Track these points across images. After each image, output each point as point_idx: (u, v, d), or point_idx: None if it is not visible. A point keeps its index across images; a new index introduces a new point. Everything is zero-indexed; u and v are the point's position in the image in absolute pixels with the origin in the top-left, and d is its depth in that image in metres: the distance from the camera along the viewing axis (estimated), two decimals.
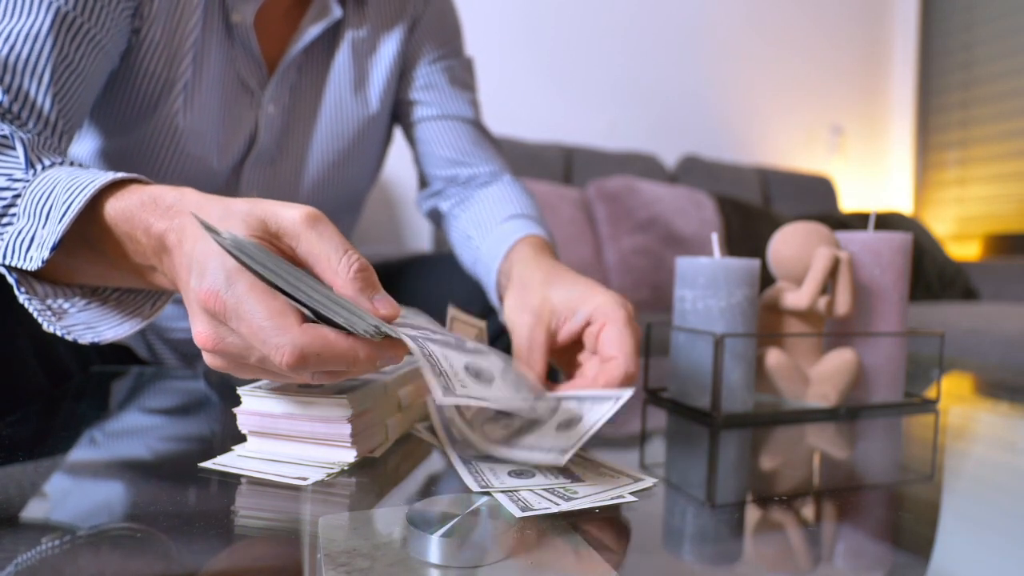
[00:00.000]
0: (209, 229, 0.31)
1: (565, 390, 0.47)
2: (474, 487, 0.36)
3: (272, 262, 0.32)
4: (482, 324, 0.56)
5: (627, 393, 0.40)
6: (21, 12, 0.54)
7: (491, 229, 0.74)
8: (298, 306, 0.33)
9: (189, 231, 0.37)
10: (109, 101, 0.67)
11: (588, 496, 0.35)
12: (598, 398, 0.42)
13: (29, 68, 0.53)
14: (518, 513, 0.32)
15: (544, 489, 0.36)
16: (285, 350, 0.31)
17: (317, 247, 0.35)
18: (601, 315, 0.49)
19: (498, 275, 0.67)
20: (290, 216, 0.35)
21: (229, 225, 0.35)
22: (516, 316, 0.52)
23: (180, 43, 0.65)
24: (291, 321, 0.32)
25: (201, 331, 0.35)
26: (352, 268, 0.34)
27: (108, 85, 0.65)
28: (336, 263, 0.34)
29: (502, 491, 0.35)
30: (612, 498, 0.35)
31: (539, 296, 0.52)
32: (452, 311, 0.53)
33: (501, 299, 0.67)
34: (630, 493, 0.36)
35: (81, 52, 0.57)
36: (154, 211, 0.40)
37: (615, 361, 0.47)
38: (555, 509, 0.33)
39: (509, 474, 0.38)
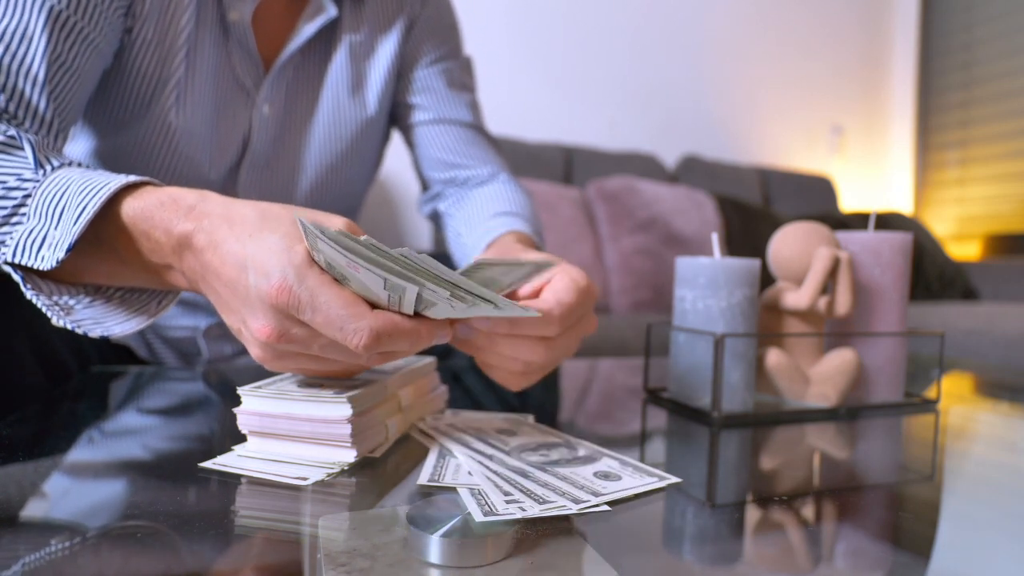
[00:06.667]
0: (307, 229, 0.35)
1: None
2: (424, 480, 0.36)
3: (371, 249, 0.35)
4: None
5: (530, 312, 0.38)
6: (14, 11, 0.54)
7: (478, 225, 0.74)
8: (370, 292, 0.36)
9: (222, 232, 0.39)
10: (103, 100, 0.67)
11: (557, 505, 0.33)
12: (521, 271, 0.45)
13: (24, 68, 0.54)
14: (479, 517, 0.30)
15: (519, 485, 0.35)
16: (363, 333, 0.35)
17: None
18: (562, 271, 0.46)
19: None
20: (335, 226, 0.39)
21: (271, 228, 0.38)
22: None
23: (172, 41, 0.65)
24: (364, 308, 0.36)
25: (265, 325, 0.37)
26: None
27: (101, 84, 0.65)
28: None
29: (467, 487, 0.35)
30: (581, 509, 0.33)
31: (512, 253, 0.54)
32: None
33: None
34: (607, 504, 0.34)
35: (75, 51, 0.57)
36: (175, 211, 0.41)
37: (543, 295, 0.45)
38: (519, 515, 0.31)
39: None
